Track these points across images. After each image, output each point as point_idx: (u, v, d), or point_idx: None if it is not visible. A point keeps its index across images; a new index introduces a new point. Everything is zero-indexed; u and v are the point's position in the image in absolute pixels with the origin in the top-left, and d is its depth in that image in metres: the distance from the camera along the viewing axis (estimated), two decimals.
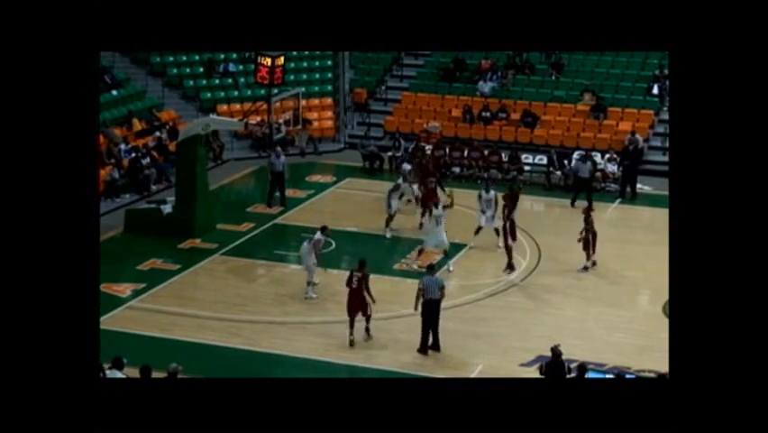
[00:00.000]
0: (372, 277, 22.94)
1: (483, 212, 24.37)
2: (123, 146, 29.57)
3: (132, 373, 15.60)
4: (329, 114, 34.81)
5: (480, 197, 24.52)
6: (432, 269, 19.67)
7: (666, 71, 32.96)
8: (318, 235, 22.01)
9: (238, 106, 33.33)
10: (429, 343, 19.21)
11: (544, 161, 30.65)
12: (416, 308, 19.20)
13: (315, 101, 34.85)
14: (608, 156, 30.07)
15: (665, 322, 20.52)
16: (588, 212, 23.90)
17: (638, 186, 29.60)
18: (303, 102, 30.32)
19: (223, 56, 35.00)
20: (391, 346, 19.57)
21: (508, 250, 22.94)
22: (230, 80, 34.65)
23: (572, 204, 28.10)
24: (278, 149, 28.09)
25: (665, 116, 32.25)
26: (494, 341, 19.96)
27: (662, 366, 17.69)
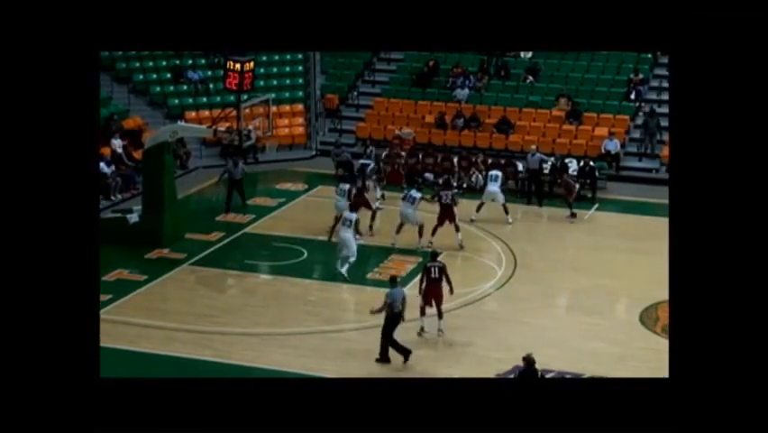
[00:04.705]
0: (345, 287, 22.70)
1: None
2: None
3: None
4: (300, 120, 34.38)
5: None
6: (394, 281, 19.33)
7: (641, 75, 32.86)
8: (416, 193, 24.50)
9: (207, 113, 32.87)
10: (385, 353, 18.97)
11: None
12: (372, 313, 19.02)
13: (286, 107, 34.40)
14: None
15: (642, 331, 20.54)
16: None
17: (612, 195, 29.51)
18: (273, 108, 29.93)
19: (190, 62, 34.52)
20: (363, 357, 19.13)
21: None
22: (198, 86, 34.16)
23: (538, 203, 28.24)
24: (236, 157, 28.03)
25: (641, 121, 32.07)
26: (469, 351, 19.64)
27: (640, 374, 17.71)
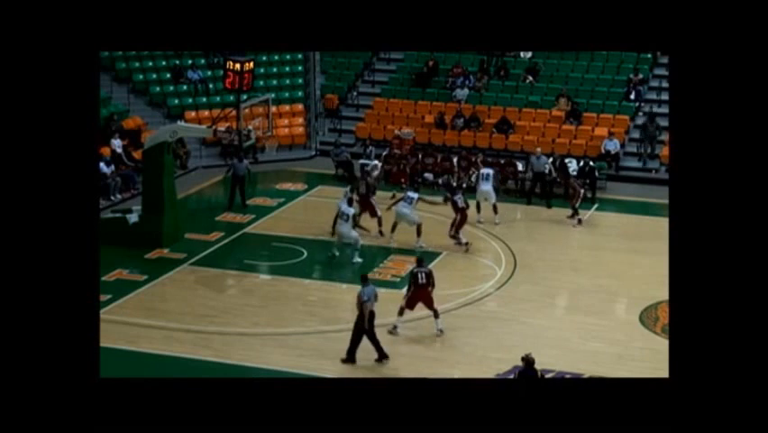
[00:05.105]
0: (344, 287, 22.66)
1: None
2: None
3: None
4: (300, 120, 34.37)
5: None
6: (365, 279, 19.32)
7: (641, 75, 32.86)
8: (413, 194, 24.73)
9: (207, 113, 32.86)
10: (373, 353, 18.93)
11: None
12: (367, 322, 18.80)
13: (286, 107, 34.39)
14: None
15: (642, 330, 20.53)
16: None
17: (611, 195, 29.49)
18: (273, 108, 29.92)
19: (190, 62, 34.50)
20: (362, 357, 19.05)
21: None
22: (198, 86, 34.14)
23: (549, 206, 28.11)
24: (240, 154, 28.22)
25: (641, 122, 32.08)
26: (469, 351, 19.62)
27: (640, 374, 17.70)
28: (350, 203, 24.03)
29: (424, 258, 21.03)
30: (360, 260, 23.60)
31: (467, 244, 24.50)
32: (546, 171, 28.80)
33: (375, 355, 18.90)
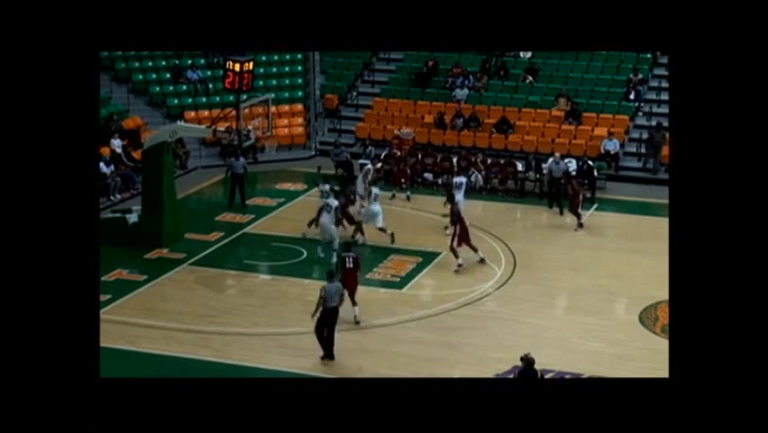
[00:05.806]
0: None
1: None
2: None
3: None
4: (299, 120, 34.37)
5: None
6: (332, 276, 19.37)
7: (641, 75, 32.86)
8: (378, 191, 25.00)
9: (206, 113, 32.86)
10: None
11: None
12: (313, 316, 18.94)
13: (286, 107, 34.39)
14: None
15: (642, 330, 20.53)
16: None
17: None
18: (273, 108, 29.92)
19: (190, 62, 34.51)
20: (363, 358, 19.13)
21: None
22: (198, 86, 34.15)
23: (559, 210, 27.79)
24: (237, 152, 28.09)
25: (641, 122, 32.08)
26: (469, 351, 19.61)
27: (639, 374, 17.68)
28: (336, 196, 24.10)
29: (354, 243, 21.51)
30: (322, 255, 23.56)
31: (460, 265, 23.19)
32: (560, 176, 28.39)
33: (371, 355, 18.89)
